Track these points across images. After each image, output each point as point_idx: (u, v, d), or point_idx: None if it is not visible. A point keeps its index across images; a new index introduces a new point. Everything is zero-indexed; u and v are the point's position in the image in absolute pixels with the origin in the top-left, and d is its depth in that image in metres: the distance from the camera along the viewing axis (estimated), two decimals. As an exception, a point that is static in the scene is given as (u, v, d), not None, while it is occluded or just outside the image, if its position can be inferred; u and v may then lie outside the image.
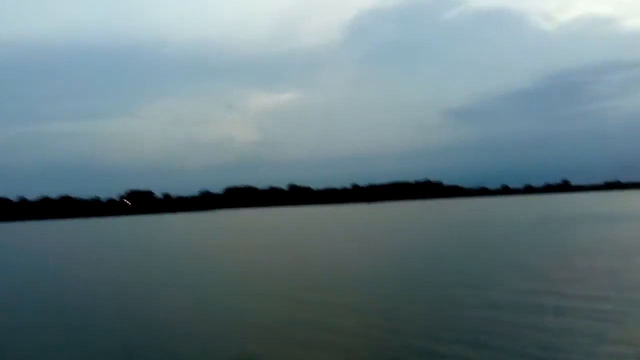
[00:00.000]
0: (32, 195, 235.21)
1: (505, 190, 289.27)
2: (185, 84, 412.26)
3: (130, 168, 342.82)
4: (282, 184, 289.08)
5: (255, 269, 25.27)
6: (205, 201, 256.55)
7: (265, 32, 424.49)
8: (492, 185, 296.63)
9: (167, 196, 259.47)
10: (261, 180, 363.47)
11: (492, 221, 56.67)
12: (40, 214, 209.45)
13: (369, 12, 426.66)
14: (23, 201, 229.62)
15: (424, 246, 32.76)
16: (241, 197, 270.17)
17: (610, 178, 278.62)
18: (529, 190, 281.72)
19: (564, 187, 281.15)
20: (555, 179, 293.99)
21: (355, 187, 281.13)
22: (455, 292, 16.10)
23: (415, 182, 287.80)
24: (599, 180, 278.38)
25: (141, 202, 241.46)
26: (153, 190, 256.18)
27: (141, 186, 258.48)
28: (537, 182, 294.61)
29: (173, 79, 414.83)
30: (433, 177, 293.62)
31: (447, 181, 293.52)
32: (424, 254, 28.16)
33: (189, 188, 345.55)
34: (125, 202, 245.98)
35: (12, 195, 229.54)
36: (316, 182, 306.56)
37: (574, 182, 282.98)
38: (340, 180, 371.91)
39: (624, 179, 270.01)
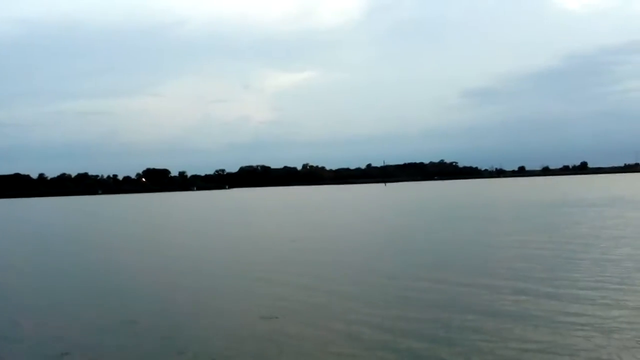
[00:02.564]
0: (52, 172, 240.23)
1: (522, 172, 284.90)
2: (204, 63, 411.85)
3: (148, 146, 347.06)
4: (297, 163, 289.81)
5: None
6: (220, 180, 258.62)
7: (284, 11, 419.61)
8: (509, 166, 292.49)
9: (182, 174, 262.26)
10: (276, 160, 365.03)
11: (484, 204, 55.99)
12: (59, 191, 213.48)
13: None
14: (42, 178, 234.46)
15: (412, 227, 32.55)
16: (255, 176, 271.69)
17: (630, 160, 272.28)
18: (546, 172, 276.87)
19: (582, 169, 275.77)
20: (574, 161, 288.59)
21: (370, 167, 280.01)
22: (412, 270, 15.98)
23: (430, 163, 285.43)
24: (618, 162, 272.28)
25: (158, 180, 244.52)
26: (170, 169, 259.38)
27: (159, 164, 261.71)
28: (555, 164, 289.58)
29: (192, 58, 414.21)
30: (450, 158, 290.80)
31: (463, 162, 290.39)
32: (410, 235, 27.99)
33: (205, 166, 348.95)
34: (142, 180, 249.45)
35: (33, 172, 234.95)
36: (331, 162, 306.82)
37: (593, 164, 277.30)
38: (356, 160, 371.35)
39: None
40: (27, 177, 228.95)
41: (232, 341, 9.15)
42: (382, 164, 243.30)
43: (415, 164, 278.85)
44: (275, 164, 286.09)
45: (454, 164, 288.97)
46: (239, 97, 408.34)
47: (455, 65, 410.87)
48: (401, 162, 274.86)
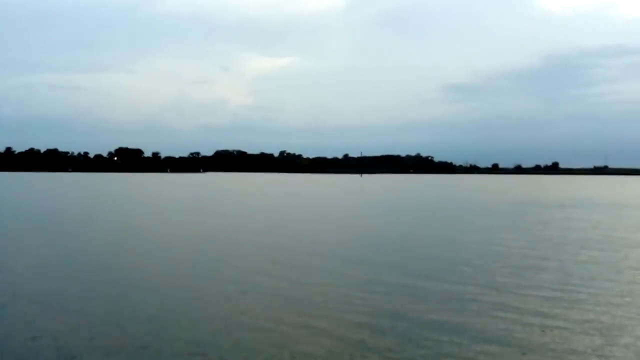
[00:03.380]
0: (19, 146, 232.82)
1: (495, 169, 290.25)
2: (183, 43, 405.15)
3: (121, 125, 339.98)
4: (274, 150, 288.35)
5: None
6: (194, 163, 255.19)
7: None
8: (484, 163, 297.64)
9: (156, 155, 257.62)
10: (253, 145, 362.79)
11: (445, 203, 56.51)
12: (27, 165, 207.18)
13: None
14: (9, 152, 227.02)
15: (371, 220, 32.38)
16: (231, 160, 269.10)
17: (600, 163, 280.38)
18: (518, 170, 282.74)
19: (553, 169, 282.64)
20: (546, 161, 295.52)
21: (347, 157, 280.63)
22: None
23: (407, 156, 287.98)
24: (588, 164, 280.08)
25: (130, 160, 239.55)
26: (143, 149, 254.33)
27: (132, 144, 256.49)
28: (528, 163, 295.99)
29: (171, 37, 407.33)
30: (426, 152, 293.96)
31: (439, 157, 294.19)
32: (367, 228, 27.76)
33: (180, 148, 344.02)
34: (114, 159, 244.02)
35: (0, 146, 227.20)
36: (308, 151, 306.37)
37: (564, 164, 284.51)
38: (333, 150, 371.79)
39: (613, 164, 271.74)
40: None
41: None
42: (359, 155, 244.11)
43: (391, 156, 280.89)
44: (252, 149, 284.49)
45: (429, 158, 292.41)
46: (218, 79, 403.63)
47: (436, 59, 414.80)
48: (378, 154, 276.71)
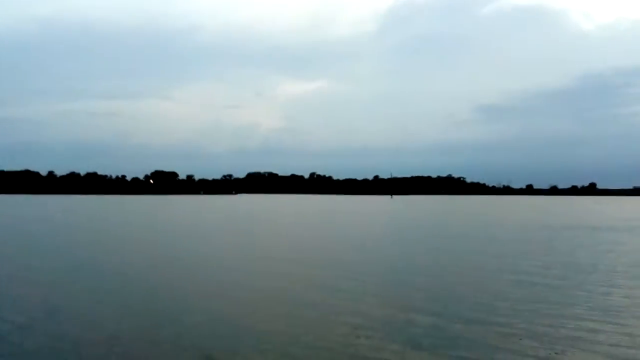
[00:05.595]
0: (61, 170, 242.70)
1: (530, 190, 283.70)
2: (217, 69, 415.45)
3: (157, 149, 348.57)
4: (305, 172, 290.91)
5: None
6: (227, 185, 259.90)
7: (299, 20, 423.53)
8: (518, 184, 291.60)
9: (190, 178, 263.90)
10: (284, 167, 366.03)
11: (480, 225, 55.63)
12: (68, 188, 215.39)
13: (403, 3, 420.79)
14: (52, 175, 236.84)
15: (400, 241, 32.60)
16: (262, 182, 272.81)
17: (639, 183, 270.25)
18: (554, 191, 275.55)
19: (590, 189, 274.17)
20: (583, 181, 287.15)
21: (377, 179, 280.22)
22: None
23: (438, 177, 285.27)
24: (627, 184, 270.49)
25: (165, 183, 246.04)
26: (178, 172, 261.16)
27: (167, 167, 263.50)
28: (564, 184, 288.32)
29: (206, 64, 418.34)
30: (458, 173, 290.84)
31: (471, 178, 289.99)
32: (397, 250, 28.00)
33: (213, 171, 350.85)
34: (150, 182, 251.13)
35: (43, 170, 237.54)
36: (339, 172, 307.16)
37: (602, 185, 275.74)
38: (363, 171, 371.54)
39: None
40: (37, 174, 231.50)
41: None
42: (389, 176, 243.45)
43: (422, 177, 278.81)
44: (283, 171, 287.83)
45: (461, 179, 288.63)
46: (250, 103, 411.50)
47: (467, 81, 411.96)
48: (409, 175, 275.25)
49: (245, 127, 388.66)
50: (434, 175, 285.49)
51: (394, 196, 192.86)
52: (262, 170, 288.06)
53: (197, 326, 10.81)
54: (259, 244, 28.75)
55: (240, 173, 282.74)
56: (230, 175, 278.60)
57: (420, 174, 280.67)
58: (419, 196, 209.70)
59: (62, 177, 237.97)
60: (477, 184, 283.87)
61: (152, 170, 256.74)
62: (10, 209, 72.70)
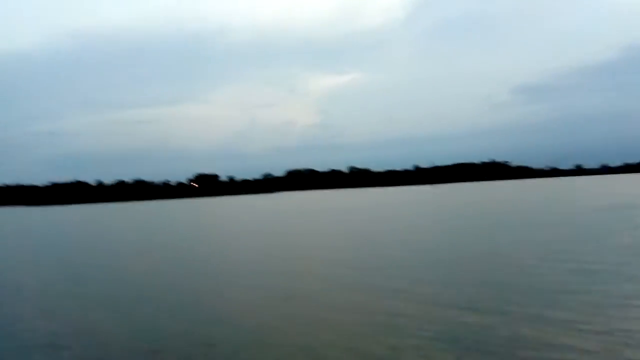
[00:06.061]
0: (108, 179, 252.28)
1: (579, 171, 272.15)
2: (249, 69, 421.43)
3: (198, 152, 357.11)
4: (343, 166, 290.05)
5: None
6: (267, 184, 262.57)
7: (326, 14, 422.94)
8: (565, 165, 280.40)
9: (231, 179, 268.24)
10: (322, 163, 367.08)
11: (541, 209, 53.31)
12: (116, 196, 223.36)
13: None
14: (100, 185, 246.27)
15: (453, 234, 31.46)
16: (302, 179, 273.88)
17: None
18: (605, 170, 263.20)
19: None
20: (636, 158, 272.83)
21: (417, 169, 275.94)
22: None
23: (481, 163, 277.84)
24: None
25: (207, 185, 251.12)
26: (219, 174, 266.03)
27: (208, 169, 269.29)
28: (615, 162, 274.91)
29: (238, 64, 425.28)
30: (500, 157, 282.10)
31: (515, 161, 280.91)
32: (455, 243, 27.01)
33: (253, 171, 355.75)
34: (193, 185, 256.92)
35: (92, 180, 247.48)
36: (377, 164, 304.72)
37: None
38: (402, 162, 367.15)
39: None
40: (87, 184, 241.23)
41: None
42: (430, 165, 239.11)
43: (464, 164, 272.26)
44: (322, 166, 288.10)
45: (505, 163, 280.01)
46: (285, 101, 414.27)
47: (504, 61, 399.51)
48: (450, 163, 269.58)
49: (281, 125, 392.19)
50: (477, 161, 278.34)
51: (437, 185, 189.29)
52: (300, 168, 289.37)
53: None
54: (303, 244, 28.36)
55: (279, 171, 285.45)
56: (269, 174, 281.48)
57: (462, 161, 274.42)
58: (463, 184, 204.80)
59: (111, 185, 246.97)
60: (523, 167, 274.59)
61: (194, 173, 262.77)
62: (83, 222, 75.53)
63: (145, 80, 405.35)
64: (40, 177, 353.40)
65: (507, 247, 21.86)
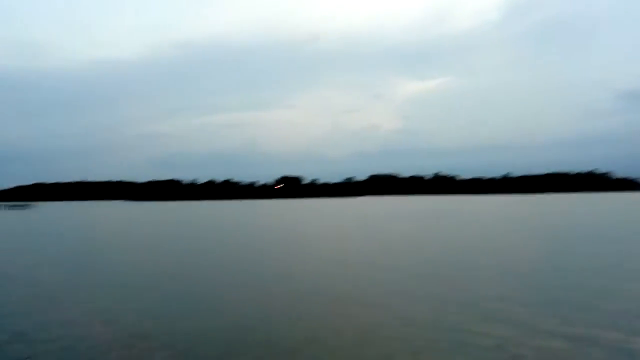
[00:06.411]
0: (201, 178, 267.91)
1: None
2: (336, 74, 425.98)
3: (283, 155, 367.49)
4: (428, 172, 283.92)
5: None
6: (349, 188, 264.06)
7: (417, 19, 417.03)
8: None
9: (314, 182, 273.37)
10: (405, 168, 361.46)
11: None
12: (206, 195, 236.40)
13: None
14: (192, 184, 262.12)
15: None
16: (384, 184, 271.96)
17: None
18: None
19: None
20: None
21: (506, 177, 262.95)
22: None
23: (577, 173, 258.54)
24: None
25: (291, 187, 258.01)
26: (302, 176, 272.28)
27: (293, 172, 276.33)
28: None
29: (325, 70, 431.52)
30: (600, 168, 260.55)
31: (618, 172, 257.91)
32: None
33: (335, 174, 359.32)
34: (278, 187, 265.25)
35: (185, 179, 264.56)
36: (464, 171, 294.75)
37: None
38: (491, 170, 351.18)
39: None
40: (180, 182, 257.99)
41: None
42: (521, 174, 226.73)
43: (559, 174, 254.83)
44: (405, 172, 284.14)
45: (606, 174, 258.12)
46: (369, 106, 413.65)
47: (604, 66, 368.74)
48: (543, 172, 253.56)
49: (365, 130, 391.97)
50: (573, 171, 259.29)
51: (527, 195, 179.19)
52: (383, 172, 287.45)
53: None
54: (382, 249, 28.48)
55: (361, 175, 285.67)
56: (351, 178, 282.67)
57: (555, 170, 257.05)
58: (557, 194, 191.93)
59: (202, 185, 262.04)
60: (626, 179, 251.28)
61: (279, 175, 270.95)
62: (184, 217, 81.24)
63: (237, 86, 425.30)
64: (140, 175, 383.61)
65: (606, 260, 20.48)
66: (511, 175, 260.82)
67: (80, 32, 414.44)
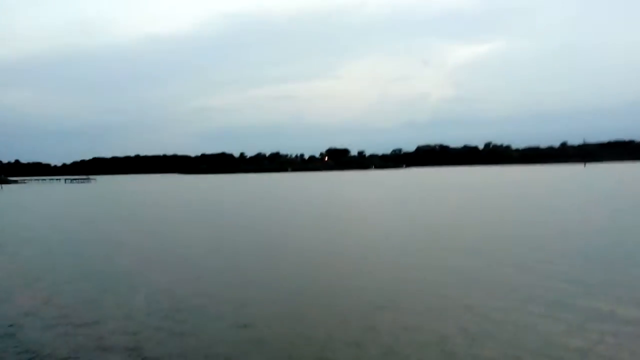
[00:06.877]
0: (250, 151, 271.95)
1: None
2: (383, 42, 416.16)
3: (330, 127, 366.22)
4: (479, 142, 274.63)
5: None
6: (397, 159, 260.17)
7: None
8: None
9: (361, 154, 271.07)
10: (456, 139, 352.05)
11: None
12: (256, 168, 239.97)
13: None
14: (242, 156, 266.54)
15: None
16: (433, 155, 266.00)
17: None
18: None
19: None
20: None
21: (565, 146, 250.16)
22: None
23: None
24: None
25: (338, 159, 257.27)
26: (349, 148, 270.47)
27: (340, 144, 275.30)
28: None
29: (371, 38, 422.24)
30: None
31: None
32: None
33: (383, 146, 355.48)
34: (325, 159, 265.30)
35: (235, 151, 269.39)
36: (518, 141, 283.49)
37: None
38: (548, 138, 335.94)
39: None
40: (230, 155, 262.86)
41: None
42: (580, 142, 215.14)
43: (622, 142, 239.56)
44: (455, 142, 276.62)
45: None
46: (418, 74, 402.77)
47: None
48: (605, 140, 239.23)
49: (414, 98, 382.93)
50: (638, 139, 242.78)
51: (588, 165, 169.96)
52: (432, 143, 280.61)
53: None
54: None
55: (410, 146, 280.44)
56: (399, 150, 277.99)
57: (619, 139, 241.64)
58: (620, 163, 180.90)
59: (251, 157, 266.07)
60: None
61: (327, 147, 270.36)
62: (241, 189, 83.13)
63: (280, 58, 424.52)
64: (193, 149, 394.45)
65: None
66: (570, 144, 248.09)
67: (132, 8, 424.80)
